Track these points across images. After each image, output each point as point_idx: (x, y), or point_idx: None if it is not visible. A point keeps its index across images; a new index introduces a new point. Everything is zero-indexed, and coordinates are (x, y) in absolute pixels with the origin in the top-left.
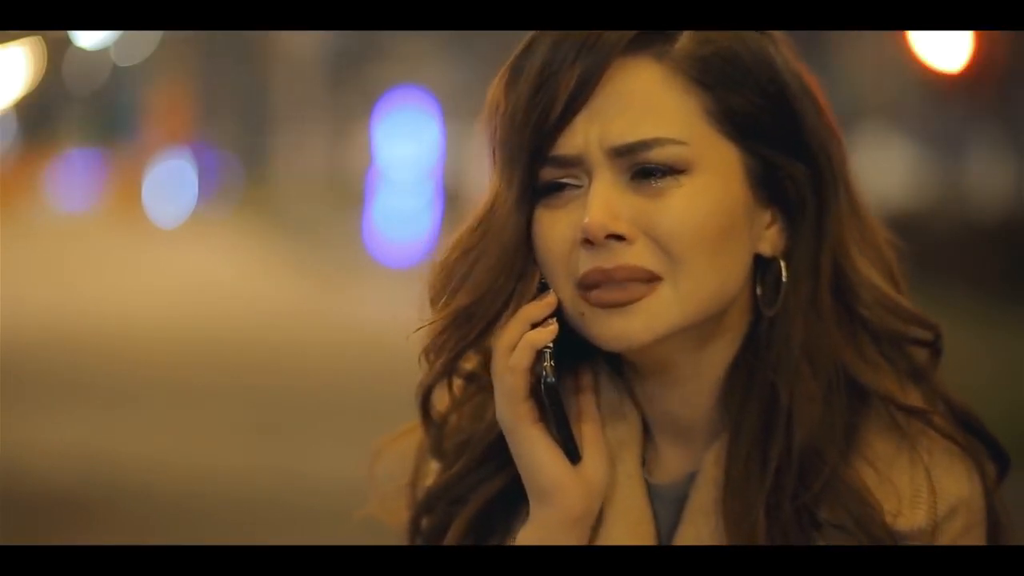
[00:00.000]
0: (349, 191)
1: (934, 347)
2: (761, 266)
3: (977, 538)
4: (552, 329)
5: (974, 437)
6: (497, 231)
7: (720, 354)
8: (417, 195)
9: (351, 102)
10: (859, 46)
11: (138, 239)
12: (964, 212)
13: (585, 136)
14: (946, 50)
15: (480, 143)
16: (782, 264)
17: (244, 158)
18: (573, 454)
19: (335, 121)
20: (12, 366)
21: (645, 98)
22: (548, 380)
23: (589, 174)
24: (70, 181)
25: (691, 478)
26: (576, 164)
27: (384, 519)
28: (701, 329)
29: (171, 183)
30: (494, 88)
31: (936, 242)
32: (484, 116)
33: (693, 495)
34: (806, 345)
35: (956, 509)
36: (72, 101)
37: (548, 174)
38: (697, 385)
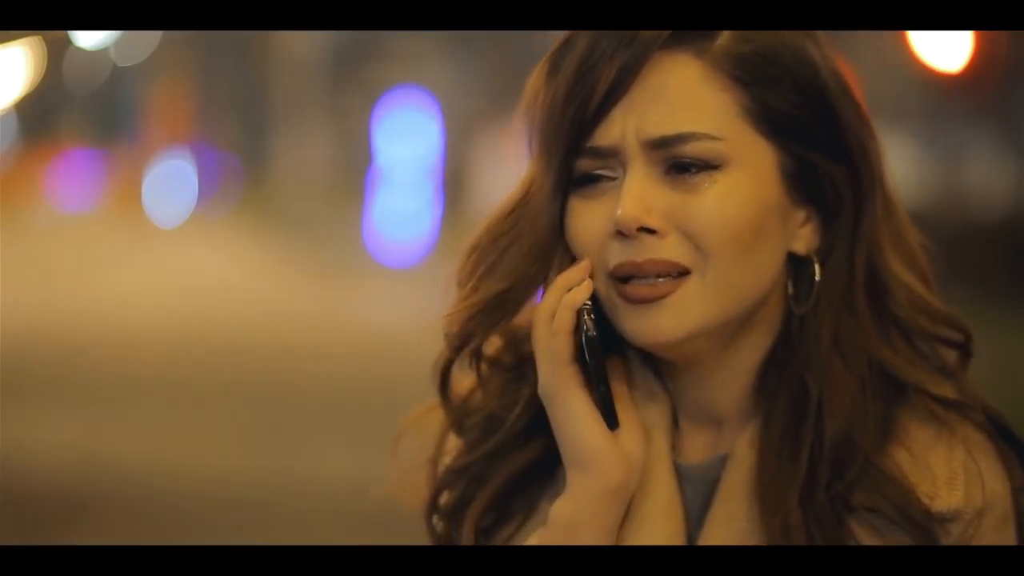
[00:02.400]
0: (349, 191)
1: (964, 349)
2: (794, 264)
3: (1008, 535)
4: (587, 285)
5: (1004, 439)
6: (531, 219)
7: (750, 350)
8: (417, 195)
9: (351, 102)
10: (859, 46)
11: (138, 239)
12: (964, 212)
13: (622, 128)
14: (946, 50)
15: (480, 143)
16: (816, 263)
17: (244, 158)
18: (611, 414)
19: (335, 121)
20: (12, 366)
21: (683, 93)
22: (589, 334)
23: (624, 166)
24: (70, 181)
25: (721, 461)
26: (612, 155)
27: (402, 498)
28: (733, 328)
29: (171, 183)
30: (534, 78)
31: (936, 242)
32: (523, 105)
33: (726, 477)
34: (838, 341)
35: (992, 503)
36: (72, 101)
37: (584, 165)
38: (728, 379)
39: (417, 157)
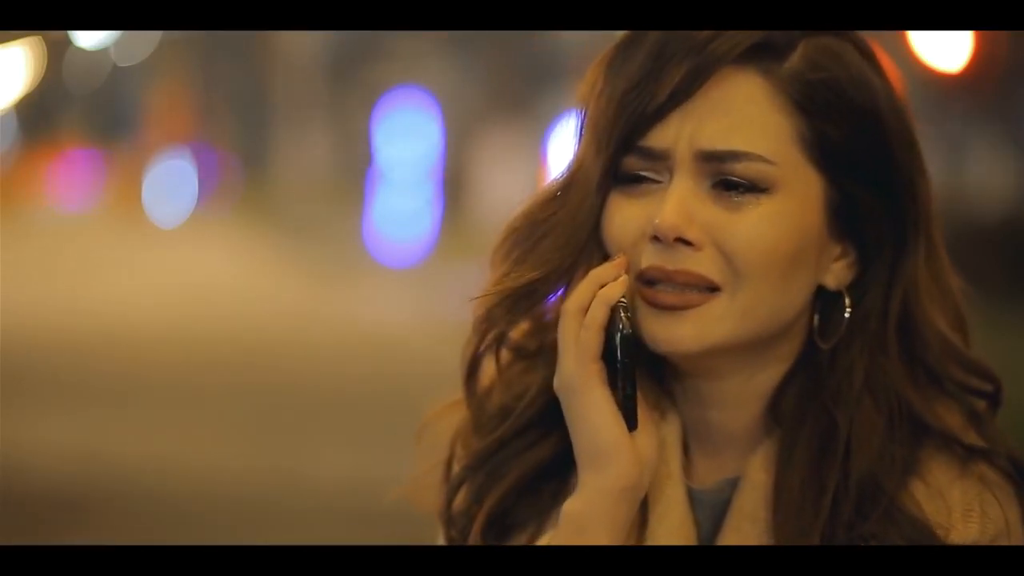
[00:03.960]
0: (349, 191)
1: (993, 399)
2: (823, 298)
3: None
4: (623, 281)
5: None
6: (572, 210)
7: (766, 375)
8: (417, 195)
9: (351, 102)
10: None
11: (138, 239)
12: (964, 212)
13: (677, 133)
14: (946, 50)
15: (480, 143)
16: (846, 299)
17: (244, 158)
18: (632, 415)
19: (335, 121)
20: (12, 366)
21: (744, 110)
22: (625, 332)
23: (671, 172)
24: (70, 181)
25: (731, 484)
26: (661, 159)
27: (417, 501)
28: (752, 349)
29: (171, 183)
30: (594, 67)
31: None
32: (579, 92)
33: (737, 500)
34: (869, 379)
35: (1008, 533)
36: (72, 101)
37: (632, 164)
38: (741, 401)
39: (417, 157)
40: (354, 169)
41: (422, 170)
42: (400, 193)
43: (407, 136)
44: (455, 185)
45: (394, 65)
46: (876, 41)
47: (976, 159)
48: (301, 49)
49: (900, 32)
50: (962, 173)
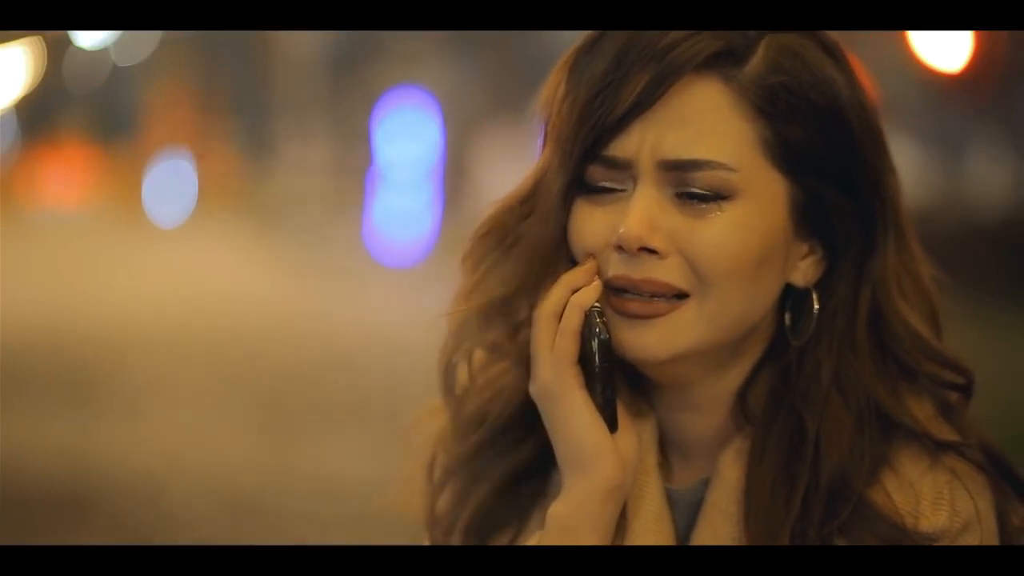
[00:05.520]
0: (349, 191)
1: (966, 391)
2: (791, 295)
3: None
4: (596, 286)
5: (1003, 477)
6: (539, 219)
7: (736, 373)
8: (417, 195)
9: (351, 102)
10: (859, 46)
11: (138, 239)
12: (964, 212)
13: (639, 143)
14: (946, 50)
15: (480, 143)
16: (814, 296)
17: (244, 158)
18: (613, 417)
19: (335, 121)
20: (11, 366)
21: (705, 118)
22: (602, 337)
23: (635, 181)
24: (70, 181)
25: (704, 484)
26: (624, 168)
27: (401, 507)
28: (720, 353)
29: (171, 183)
30: (555, 73)
31: (936, 242)
32: (543, 95)
33: (709, 497)
34: (838, 377)
35: (978, 520)
36: (72, 101)
37: (596, 174)
38: (711, 402)
39: (417, 157)
40: (354, 169)
41: (422, 170)
42: (400, 193)
43: (407, 136)
44: (455, 185)
45: (394, 65)
46: (876, 41)
47: (976, 159)
48: (301, 49)
49: (900, 32)
50: (962, 173)
